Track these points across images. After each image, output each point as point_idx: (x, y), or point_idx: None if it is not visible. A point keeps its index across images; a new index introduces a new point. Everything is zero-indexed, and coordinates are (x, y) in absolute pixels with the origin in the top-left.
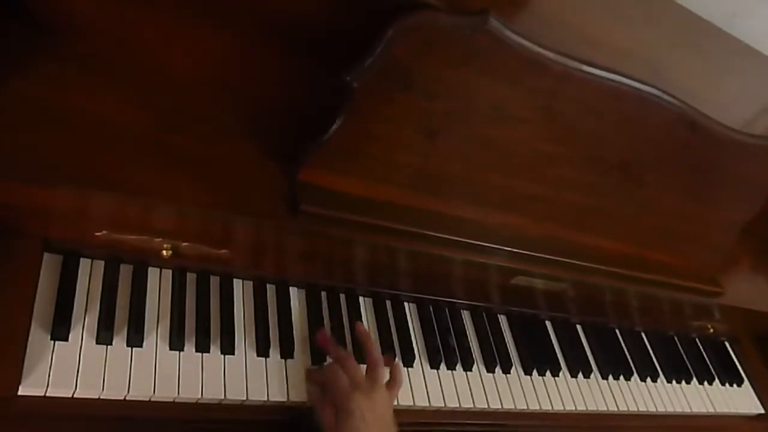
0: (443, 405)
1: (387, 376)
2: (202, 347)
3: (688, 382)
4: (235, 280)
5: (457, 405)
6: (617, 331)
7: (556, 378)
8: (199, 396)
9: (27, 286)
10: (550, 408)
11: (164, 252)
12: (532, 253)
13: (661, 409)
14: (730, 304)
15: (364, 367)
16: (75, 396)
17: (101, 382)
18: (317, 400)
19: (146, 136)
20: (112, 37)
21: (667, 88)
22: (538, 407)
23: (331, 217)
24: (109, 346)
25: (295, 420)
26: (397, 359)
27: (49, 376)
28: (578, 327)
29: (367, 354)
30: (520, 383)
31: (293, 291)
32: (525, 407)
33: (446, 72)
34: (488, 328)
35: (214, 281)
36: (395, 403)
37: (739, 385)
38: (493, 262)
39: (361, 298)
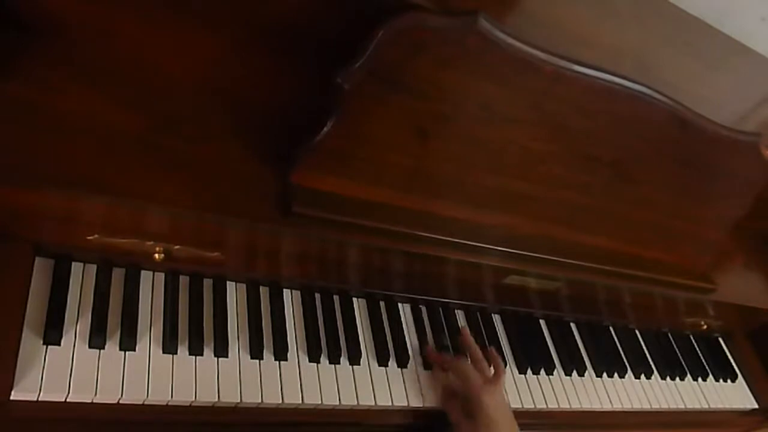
0: (437, 405)
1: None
2: (196, 350)
3: (682, 379)
4: (228, 282)
5: None
6: (611, 328)
7: (551, 376)
8: (193, 399)
9: (19, 291)
10: (544, 406)
11: (156, 255)
12: (525, 252)
13: (655, 406)
14: (723, 301)
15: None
16: (68, 400)
17: (94, 386)
18: (445, 399)
19: (137, 138)
20: (102, 40)
21: (658, 85)
22: (532, 405)
23: (324, 219)
24: (101, 350)
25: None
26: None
27: (41, 380)
28: (572, 325)
29: (474, 356)
30: (515, 382)
31: (287, 293)
32: (519, 406)
33: (437, 73)
34: (482, 327)
35: (207, 284)
36: (390, 404)
37: (732, 381)
38: (486, 262)
39: (354, 299)
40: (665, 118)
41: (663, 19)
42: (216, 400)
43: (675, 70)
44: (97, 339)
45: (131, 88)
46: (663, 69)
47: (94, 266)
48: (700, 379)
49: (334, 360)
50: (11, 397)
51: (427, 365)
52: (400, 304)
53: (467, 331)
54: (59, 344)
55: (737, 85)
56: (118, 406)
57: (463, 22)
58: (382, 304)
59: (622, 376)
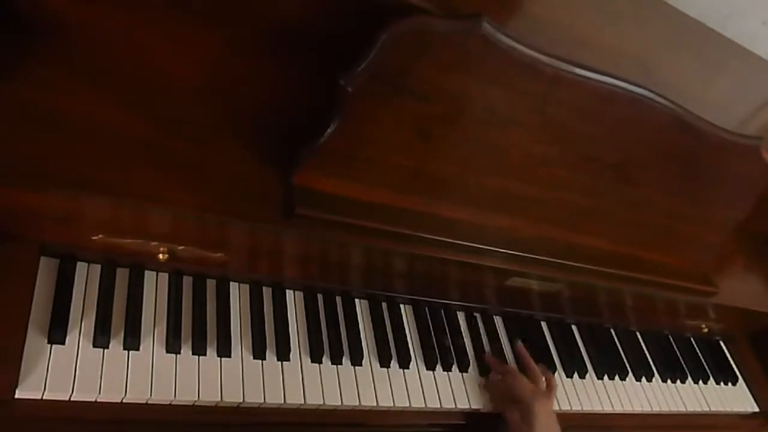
0: (439, 406)
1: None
2: (199, 350)
3: (683, 382)
4: (231, 283)
5: (453, 406)
6: (612, 331)
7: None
8: (196, 398)
9: (24, 290)
10: None
11: (160, 255)
12: (527, 254)
13: (656, 409)
14: (724, 304)
15: None
16: (72, 399)
17: (98, 385)
18: (502, 405)
19: (141, 139)
20: (105, 41)
21: (660, 88)
22: None
23: (327, 220)
24: (105, 350)
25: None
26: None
27: (46, 379)
28: (573, 327)
29: (529, 368)
30: None
31: (289, 294)
32: None
33: (440, 75)
34: (484, 329)
35: (211, 284)
36: (392, 404)
37: (733, 384)
38: (488, 264)
39: (357, 300)
40: (667, 121)
41: (665, 23)
42: (219, 399)
43: (677, 73)
44: (101, 338)
45: (134, 90)
46: (665, 72)
47: (99, 266)
48: (701, 382)
49: (336, 361)
50: (16, 396)
51: (429, 366)
52: (402, 306)
53: (522, 345)
54: (64, 343)
55: (739, 88)
56: (121, 406)
57: (467, 26)
58: (384, 305)
59: (623, 379)
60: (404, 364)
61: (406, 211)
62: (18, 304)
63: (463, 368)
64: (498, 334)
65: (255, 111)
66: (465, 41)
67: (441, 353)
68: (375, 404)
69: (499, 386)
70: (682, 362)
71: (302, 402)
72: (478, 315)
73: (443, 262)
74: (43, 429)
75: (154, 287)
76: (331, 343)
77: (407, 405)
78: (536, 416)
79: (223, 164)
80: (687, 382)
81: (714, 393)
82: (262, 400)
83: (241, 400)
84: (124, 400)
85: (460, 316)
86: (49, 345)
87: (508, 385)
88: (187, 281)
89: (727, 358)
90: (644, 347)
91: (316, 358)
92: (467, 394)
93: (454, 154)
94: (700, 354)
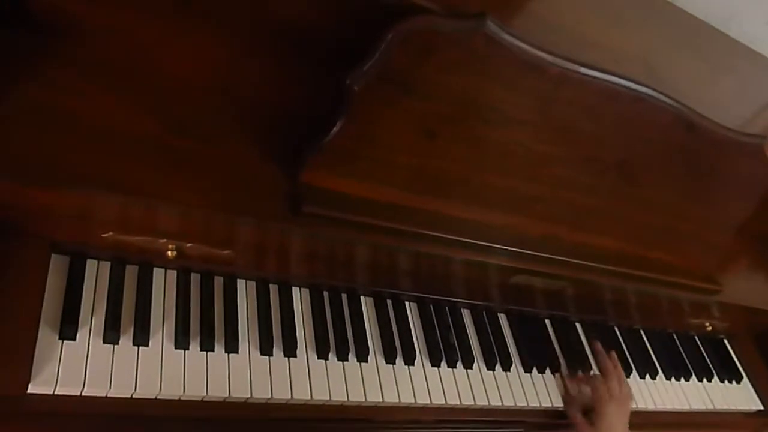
0: (444, 403)
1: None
2: (207, 346)
3: (687, 380)
4: (238, 280)
5: (458, 402)
6: (616, 329)
7: (556, 375)
8: (204, 394)
9: (35, 287)
10: (550, 405)
11: (169, 253)
12: (531, 252)
13: (660, 407)
14: (728, 302)
15: None
16: (83, 394)
17: (108, 380)
18: (570, 404)
19: (150, 138)
20: (116, 43)
21: (664, 88)
22: (538, 404)
23: (333, 218)
24: (115, 346)
25: None
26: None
27: (57, 374)
28: (577, 325)
29: (606, 371)
30: (520, 381)
31: (296, 291)
32: (525, 405)
33: (445, 75)
34: (488, 326)
35: (218, 281)
36: (397, 401)
37: (737, 382)
38: (493, 262)
39: (362, 298)
40: (671, 121)
41: (669, 22)
42: (227, 395)
43: (681, 72)
44: (111, 334)
45: (145, 90)
46: (669, 72)
47: (108, 263)
48: (705, 380)
49: (342, 357)
50: (28, 391)
51: (434, 363)
52: (407, 303)
53: (598, 345)
54: (74, 339)
55: (742, 88)
56: (131, 401)
57: (471, 25)
58: (389, 302)
59: (627, 377)
60: (409, 360)
61: (411, 209)
62: (29, 301)
63: (468, 365)
64: (502, 332)
65: (262, 111)
66: (470, 40)
67: (446, 350)
68: (381, 400)
69: (571, 390)
70: (687, 360)
71: (309, 398)
72: (484, 312)
73: (448, 260)
74: (55, 424)
75: (163, 284)
76: (337, 340)
77: (412, 401)
78: (603, 419)
79: (230, 163)
80: (691, 380)
81: (718, 391)
82: (270, 396)
83: (249, 396)
84: (134, 396)
85: (465, 314)
86: (61, 341)
87: (592, 383)
88: (195, 278)
89: (731, 356)
90: (648, 345)
91: (322, 354)
92: (472, 390)
93: (459, 152)
94: (704, 352)
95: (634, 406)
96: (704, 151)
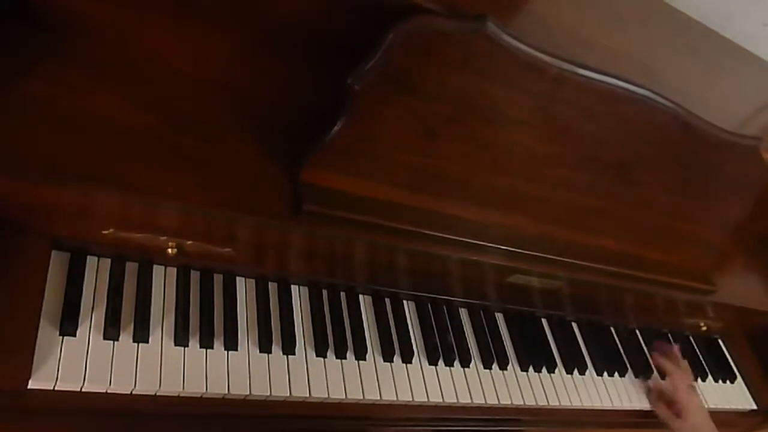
0: (441, 401)
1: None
2: (207, 343)
3: None
4: (238, 278)
5: (455, 401)
6: (612, 328)
7: (552, 374)
8: (204, 391)
9: (36, 283)
10: (546, 404)
11: (169, 250)
12: (529, 252)
13: None
14: (723, 302)
15: None
16: (83, 390)
17: (108, 376)
18: (656, 401)
19: (152, 136)
20: (119, 40)
21: (661, 89)
22: (534, 403)
23: (333, 217)
24: (115, 342)
25: None
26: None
27: (57, 370)
28: (574, 324)
29: (671, 371)
30: (517, 380)
31: (295, 289)
32: (521, 403)
33: (445, 75)
34: (485, 325)
35: (218, 279)
36: (395, 398)
37: (732, 382)
38: (491, 261)
39: (361, 296)
40: (668, 121)
41: (666, 23)
42: (226, 392)
43: (678, 73)
44: (111, 331)
45: (147, 88)
46: (666, 73)
47: (109, 260)
48: (699, 380)
49: (340, 355)
50: (28, 386)
51: (432, 361)
52: (405, 302)
53: (664, 345)
54: (75, 335)
55: (739, 89)
56: (131, 397)
57: (472, 26)
58: (387, 301)
59: (622, 375)
60: (407, 359)
61: (410, 208)
62: (30, 297)
63: (465, 364)
64: (500, 331)
65: (263, 109)
66: (470, 41)
67: (443, 349)
68: (378, 398)
69: (662, 387)
70: None
71: (307, 395)
72: (481, 311)
73: (446, 259)
74: (55, 419)
75: (163, 281)
76: (336, 338)
77: (410, 399)
78: (689, 412)
79: (231, 161)
80: None
81: (712, 391)
82: (268, 393)
83: (248, 393)
84: (134, 392)
85: (463, 313)
86: (61, 337)
87: (672, 381)
88: (195, 276)
89: (725, 356)
90: (644, 345)
91: (320, 352)
92: (469, 388)
93: (459, 152)
94: (698, 352)
95: (630, 405)
96: (701, 152)
